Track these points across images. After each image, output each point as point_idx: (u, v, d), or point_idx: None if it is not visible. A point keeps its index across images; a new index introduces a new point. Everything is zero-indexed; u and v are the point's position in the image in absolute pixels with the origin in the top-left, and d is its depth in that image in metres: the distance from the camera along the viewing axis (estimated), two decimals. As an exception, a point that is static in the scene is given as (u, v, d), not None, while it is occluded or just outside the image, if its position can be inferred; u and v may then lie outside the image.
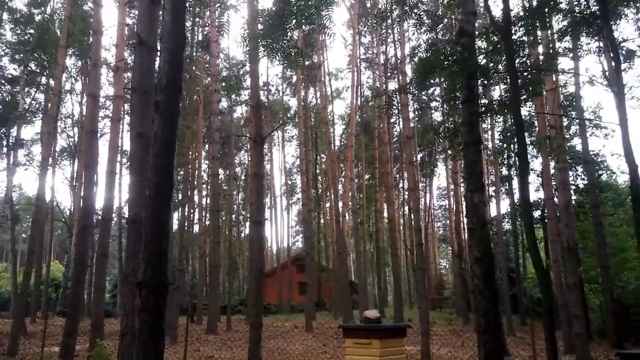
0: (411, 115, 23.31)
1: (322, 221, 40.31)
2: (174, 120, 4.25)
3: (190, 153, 27.83)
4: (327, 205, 39.28)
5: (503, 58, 9.71)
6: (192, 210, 30.97)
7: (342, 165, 37.35)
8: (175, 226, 24.10)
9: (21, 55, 25.67)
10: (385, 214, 33.50)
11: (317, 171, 38.45)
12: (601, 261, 15.90)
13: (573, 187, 22.27)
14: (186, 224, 27.61)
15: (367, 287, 33.15)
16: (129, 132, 5.60)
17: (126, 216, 6.56)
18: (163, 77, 4.30)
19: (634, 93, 26.15)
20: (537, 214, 23.82)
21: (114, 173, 14.34)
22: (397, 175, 38.41)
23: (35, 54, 25.51)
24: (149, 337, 3.84)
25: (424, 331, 12.01)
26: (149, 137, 4.30)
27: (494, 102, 11.17)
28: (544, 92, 14.49)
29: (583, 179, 23.10)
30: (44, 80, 27.67)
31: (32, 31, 25.35)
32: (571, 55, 13.33)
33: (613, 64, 11.01)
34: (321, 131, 33.30)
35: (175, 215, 25.08)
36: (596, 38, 10.70)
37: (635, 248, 14.62)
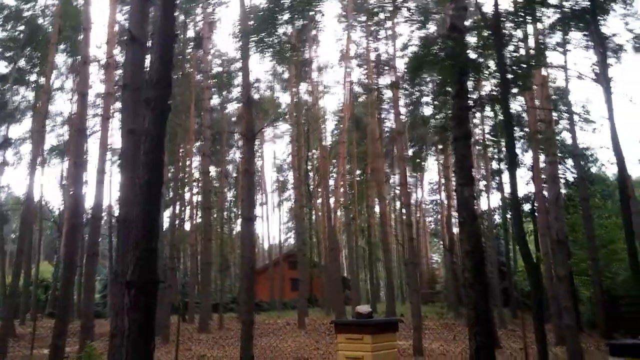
0: (402, 110, 23.31)
1: (314, 217, 40.31)
2: (164, 116, 4.24)
3: (181, 150, 27.70)
4: (319, 201, 39.28)
5: (493, 52, 9.75)
6: (183, 208, 30.87)
7: (334, 161, 37.34)
8: (166, 224, 24.00)
9: (11, 52, 25.31)
10: (377, 210, 33.56)
11: (309, 167, 38.42)
12: (591, 253, 16.08)
13: (563, 181, 22.46)
14: (177, 222, 27.52)
15: (359, 283, 33.22)
16: (120, 130, 5.56)
17: (117, 215, 6.52)
18: (154, 72, 4.29)
19: (622, 88, 26.39)
20: (527, 207, 23.98)
21: (104, 171, 14.24)
22: (389, 171, 38.47)
23: (26, 51, 25.17)
24: (139, 336, 3.81)
25: (416, 326, 12.08)
26: (141, 135, 4.28)
27: (484, 97, 11.21)
28: (535, 87, 14.59)
29: (573, 172, 23.31)
30: (33, 77, 27.35)
31: (22, 28, 24.99)
32: (561, 49, 13.40)
33: (601, 58, 11.10)
34: (313, 127, 33.25)
35: (167, 213, 25.01)
36: (585, 32, 10.79)
37: (624, 239, 14.78)
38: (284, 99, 39.12)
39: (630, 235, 8.87)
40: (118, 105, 23.84)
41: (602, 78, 10.63)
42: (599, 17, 10.07)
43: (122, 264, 6.20)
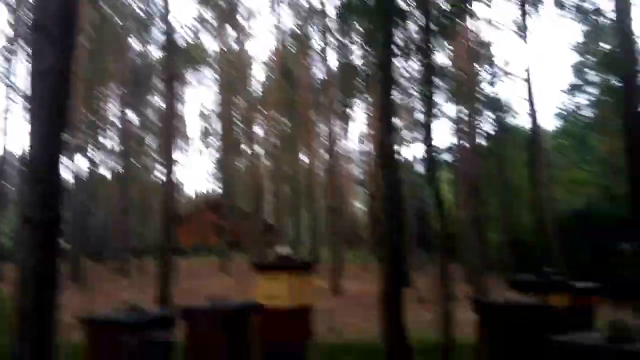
0: (332, 59, 23.10)
1: (240, 164, 39.85)
2: (69, 53, 4.04)
3: (100, 94, 26.08)
4: (246, 148, 38.76)
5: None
6: (101, 153, 29.41)
7: (262, 109, 36.69)
8: (83, 170, 22.83)
9: None
10: (304, 158, 33.69)
11: (237, 115, 37.59)
12: (502, 200, 17.09)
13: (481, 132, 23.37)
14: (95, 167, 26.27)
15: (285, 229, 33.65)
16: (29, 72, 5.15)
17: (24, 158, 6.07)
18: (58, 8, 4.02)
19: (545, 44, 27.35)
20: (448, 156, 24.85)
21: (11, 114, 13.15)
22: (317, 120, 38.42)
23: None
24: (43, 274, 3.68)
25: (336, 268, 12.42)
26: (49, 75, 4.01)
27: (410, 45, 11.27)
28: (461, 40, 14.83)
29: (491, 124, 24.25)
30: None
31: None
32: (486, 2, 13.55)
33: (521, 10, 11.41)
34: (241, 74, 32.28)
35: (83, 159, 23.76)
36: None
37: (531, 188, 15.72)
38: (210, 44, 37.54)
39: (535, 184, 9.44)
40: (26, 47, 21.90)
41: (522, 31, 10.96)
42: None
43: (26, 204, 5.84)
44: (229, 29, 33.09)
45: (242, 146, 39.48)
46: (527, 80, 10.02)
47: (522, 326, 4.46)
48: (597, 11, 12.47)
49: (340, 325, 10.15)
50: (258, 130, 35.51)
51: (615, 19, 10.13)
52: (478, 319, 4.86)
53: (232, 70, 32.31)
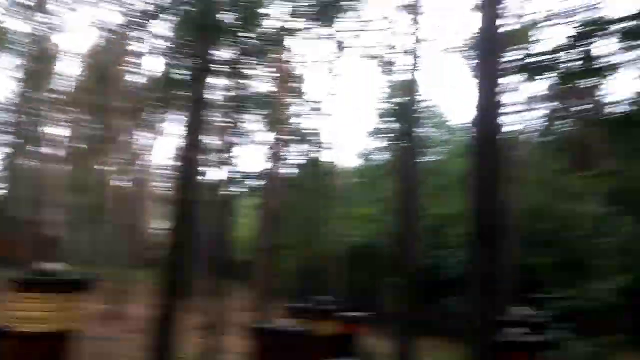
0: (150, 67, 21.96)
1: (31, 167, 35.25)
2: None
3: None
4: (40, 150, 34.49)
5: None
6: None
7: (66, 108, 33.20)
8: None
9: None
10: (104, 167, 31.24)
11: (35, 110, 33.38)
12: (300, 230, 17.86)
13: (293, 161, 24.07)
14: None
15: (73, 243, 30.47)
16: None
17: None
18: None
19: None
20: (258, 182, 25.12)
21: None
22: (125, 130, 36.01)
23: None
24: None
25: (120, 289, 11.52)
26: None
27: (225, 62, 11.22)
28: (275, 70, 15.24)
29: (299, 155, 25.17)
30: None
31: None
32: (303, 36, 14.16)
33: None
34: (48, 66, 28.84)
35: None
36: (325, 24, 11.73)
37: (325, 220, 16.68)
38: (15, 26, 33.04)
39: (328, 217, 9.98)
40: None
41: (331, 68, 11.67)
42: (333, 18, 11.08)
43: None
44: (41, 14, 29.45)
45: (36, 147, 34.98)
46: (331, 119, 10.72)
47: (286, 351, 4.56)
48: (391, 64, 13.98)
49: (110, 354, 9.29)
50: (57, 131, 32.01)
51: (407, 74, 11.48)
52: (249, 345, 4.87)
53: (39, 60, 28.70)
